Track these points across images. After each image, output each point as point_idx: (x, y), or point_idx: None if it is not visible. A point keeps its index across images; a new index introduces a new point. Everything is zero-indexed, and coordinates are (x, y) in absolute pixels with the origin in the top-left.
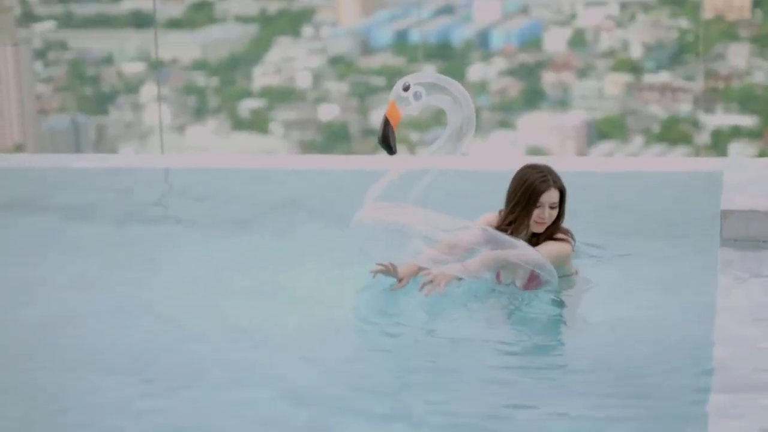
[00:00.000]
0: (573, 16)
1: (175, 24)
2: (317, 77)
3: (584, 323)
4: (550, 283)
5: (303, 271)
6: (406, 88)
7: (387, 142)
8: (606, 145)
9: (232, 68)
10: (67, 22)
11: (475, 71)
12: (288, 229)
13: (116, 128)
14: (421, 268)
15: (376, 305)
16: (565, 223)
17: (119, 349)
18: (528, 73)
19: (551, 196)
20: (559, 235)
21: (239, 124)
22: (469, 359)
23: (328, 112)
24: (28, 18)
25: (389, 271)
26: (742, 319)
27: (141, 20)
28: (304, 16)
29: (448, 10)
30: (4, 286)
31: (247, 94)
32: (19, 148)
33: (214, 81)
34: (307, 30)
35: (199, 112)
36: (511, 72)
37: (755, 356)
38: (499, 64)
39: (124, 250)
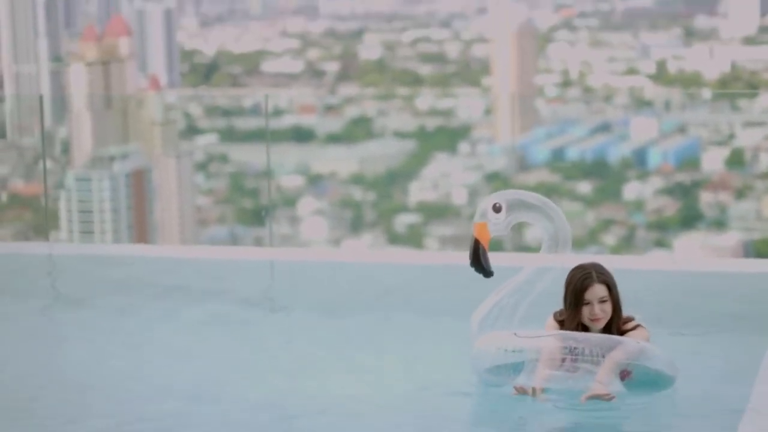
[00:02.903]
0: (731, 136)
1: (333, 138)
2: (473, 193)
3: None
4: (656, 372)
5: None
6: (497, 210)
7: (480, 264)
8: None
9: (389, 183)
10: (228, 135)
11: (631, 189)
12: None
13: (274, 241)
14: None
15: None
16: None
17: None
18: (685, 192)
19: (597, 291)
20: (630, 325)
21: (395, 239)
22: None
23: None
24: (192, 131)
25: (527, 394)
26: None
27: (300, 135)
28: (461, 132)
29: (605, 127)
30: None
31: (404, 208)
32: None
33: (371, 195)
34: (463, 146)
35: (356, 226)
36: (667, 191)
37: None
38: (656, 182)
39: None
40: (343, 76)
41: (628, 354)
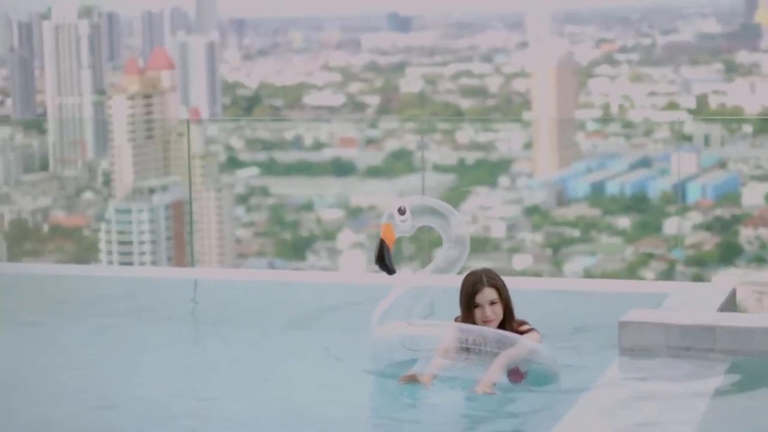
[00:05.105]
0: None
1: (373, 172)
2: (512, 227)
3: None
4: (546, 374)
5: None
6: (402, 212)
7: (384, 262)
8: None
9: None
10: (269, 168)
11: (671, 224)
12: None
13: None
14: (434, 375)
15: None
16: None
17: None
18: (724, 227)
19: (486, 294)
20: (524, 327)
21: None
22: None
23: (521, 262)
24: (233, 164)
25: (413, 380)
26: (594, 410)
27: (341, 168)
28: (502, 166)
29: (645, 163)
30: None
31: (443, 242)
32: None
33: None
34: (503, 180)
35: (394, 259)
36: (706, 226)
37: None
38: (695, 217)
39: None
40: (384, 110)
41: (520, 352)
